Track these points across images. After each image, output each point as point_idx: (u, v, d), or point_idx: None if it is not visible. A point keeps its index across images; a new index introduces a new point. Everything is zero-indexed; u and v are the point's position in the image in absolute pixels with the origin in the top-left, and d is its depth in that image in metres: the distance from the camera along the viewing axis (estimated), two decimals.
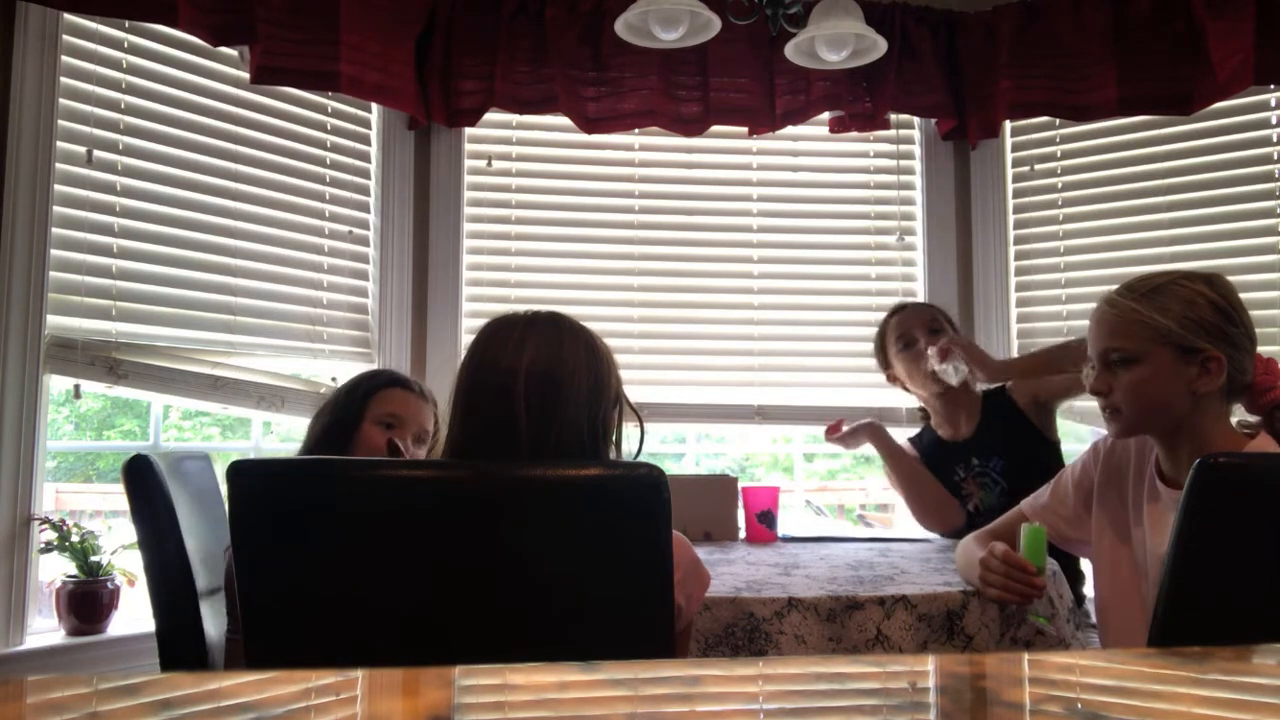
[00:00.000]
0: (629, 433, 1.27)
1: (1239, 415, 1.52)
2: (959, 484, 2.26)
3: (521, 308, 1.29)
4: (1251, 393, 1.46)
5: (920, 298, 3.09)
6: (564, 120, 2.92)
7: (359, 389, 1.81)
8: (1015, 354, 3.08)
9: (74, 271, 2.28)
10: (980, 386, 2.28)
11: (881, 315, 3.04)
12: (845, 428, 2.34)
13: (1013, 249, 3.13)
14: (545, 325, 1.24)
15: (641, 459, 1.26)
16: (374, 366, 2.85)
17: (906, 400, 2.94)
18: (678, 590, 1.15)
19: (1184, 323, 1.40)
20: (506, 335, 1.23)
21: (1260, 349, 2.74)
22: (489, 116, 2.90)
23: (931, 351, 2.21)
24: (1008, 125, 3.12)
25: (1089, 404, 1.58)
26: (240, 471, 1.06)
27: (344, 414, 1.78)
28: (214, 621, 1.68)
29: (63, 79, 2.28)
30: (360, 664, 0.55)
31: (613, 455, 1.26)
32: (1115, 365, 1.45)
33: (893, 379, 2.41)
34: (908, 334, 2.30)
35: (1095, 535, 1.59)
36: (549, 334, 1.23)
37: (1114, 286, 1.50)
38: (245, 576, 1.06)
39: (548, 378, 1.19)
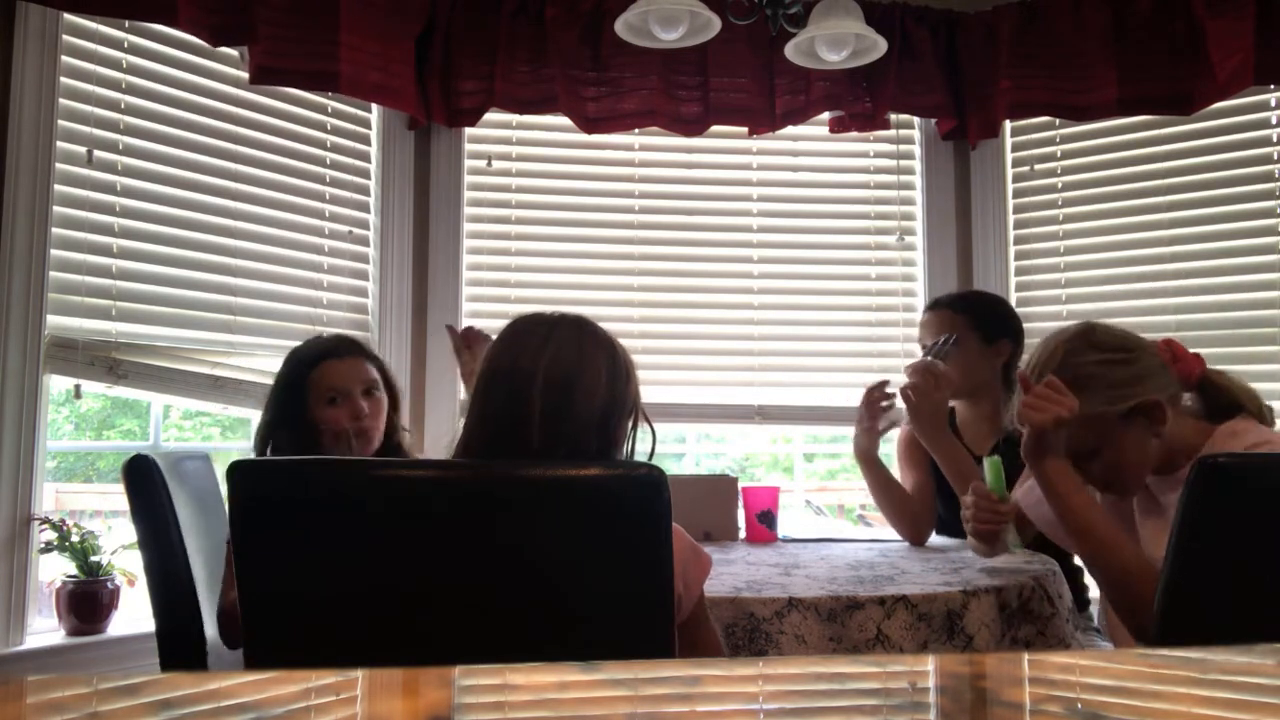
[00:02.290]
0: (640, 436, 1.26)
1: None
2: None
3: (539, 308, 1.28)
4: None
5: (920, 298, 3.08)
6: (564, 120, 2.92)
7: (292, 377, 1.80)
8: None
9: (74, 271, 2.28)
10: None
11: (882, 315, 3.03)
12: (887, 407, 2.11)
13: (1013, 249, 3.13)
14: (569, 330, 1.23)
15: (641, 459, 1.26)
16: None
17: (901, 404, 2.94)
18: (677, 581, 1.15)
19: (1111, 397, 1.42)
20: (529, 336, 1.22)
21: (1259, 349, 2.76)
22: (489, 116, 2.90)
23: (906, 371, 2.08)
24: (1008, 125, 3.12)
25: None
26: (240, 471, 1.06)
27: (289, 408, 1.78)
28: (213, 621, 1.68)
29: (63, 79, 2.28)
30: (360, 664, 0.55)
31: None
32: (1082, 459, 1.46)
33: None
34: (923, 340, 2.22)
35: None
36: (572, 339, 1.22)
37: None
38: (245, 576, 1.06)
39: (564, 383, 1.18)
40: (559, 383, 1.18)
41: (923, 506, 2.13)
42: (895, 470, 2.22)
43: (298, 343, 2.42)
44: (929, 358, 2.07)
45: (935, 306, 2.27)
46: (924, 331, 2.23)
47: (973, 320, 2.20)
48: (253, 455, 1.81)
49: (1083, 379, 1.42)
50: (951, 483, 2.03)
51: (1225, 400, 1.50)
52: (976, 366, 2.17)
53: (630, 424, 1.25)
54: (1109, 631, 1.64)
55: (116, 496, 1.93)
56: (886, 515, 2.16)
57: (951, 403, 2.24)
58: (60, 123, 2.27)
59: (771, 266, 3.11)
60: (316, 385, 1.79)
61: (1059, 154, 3.09)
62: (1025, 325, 3.06)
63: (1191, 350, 1.56)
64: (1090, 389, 1.41)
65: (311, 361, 1.82)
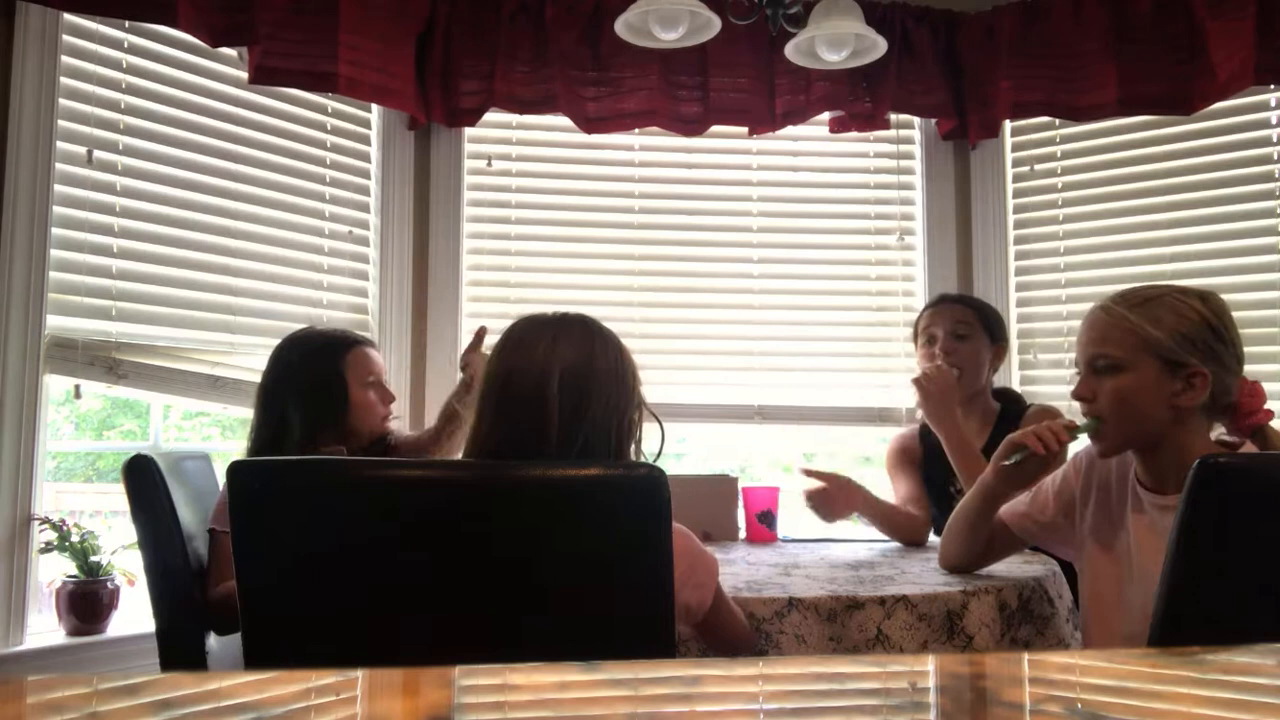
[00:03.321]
0: (648, 433, 1.30)
1: (1218, 433, 1.51)
2: (954, 496, 2.22)
3: (539, 308, 1.31)
4: (1235, 414, 1.46)
5: (920, 298, 3.08)
6: (564, 120, 2.92)
7: (329, 358, 1.86)
8: (1016, 351, 3.06)
9: (74, 271, 2.28)
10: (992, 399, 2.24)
11: (882, 315, 3.05)
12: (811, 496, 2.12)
13: (1013, 249, 3.13)
14: (576, 328, 1.26)
15: (649, 458, 1.29)
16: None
17: (907, 400, 2.94)
18: (684, 588, 1.16)
19: (1174, 336, 1.40)
20: (537, 336, 1.24)
21: (1259, 349, 2.76)
22: (489, 116, 2.90)
23: (920, 370, 2.15)
24: (1008, 125, 3.12)
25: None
26: (240, 471, 1.06)
27: (330, 388, 1.83)
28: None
29: (63, 79, 2.28)
30: (360, 664, 0.55)
31: (633, 455, 1.28)
32: (1101, 372, 1.45)
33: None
34: (929, 331, 2.25)
35: (1079, 545, 1.58)
36: (580, 336, 1.25)
37: (1112, 290, 1.50)
38: (245, 576, 1.06)
39: (580, 380, 1.21)
40: (575, 380, 1.21)
41: (918, 514, 2.17)
42: (885, 483, 2.26)
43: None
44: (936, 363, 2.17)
45: (944, 300, 2.31)
46: (931, 321, 2.25)
47: (983, 319, 2.25)
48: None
49: (1171, 307, 1.41)
50: (956, 466, 2.07)
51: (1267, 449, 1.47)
52: (982, 363, 2.22)
53: (638, 415, 1.28)
54: (1083, 630, 1.62)
55: (116, 496, 1.93)
56: (888, 535, 2.18)
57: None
58: (60, 123, 2.27)
59: (771, 266, 3.11)
60: (356, 368, 1.86)
61: (1059, 154, 3.08)
62: (1024, 325, 3.10)
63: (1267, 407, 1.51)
64: (1169, 317, 1.40)
65: (352, 343, 1.90)
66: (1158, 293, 1.45)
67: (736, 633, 1.34)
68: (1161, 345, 1.40)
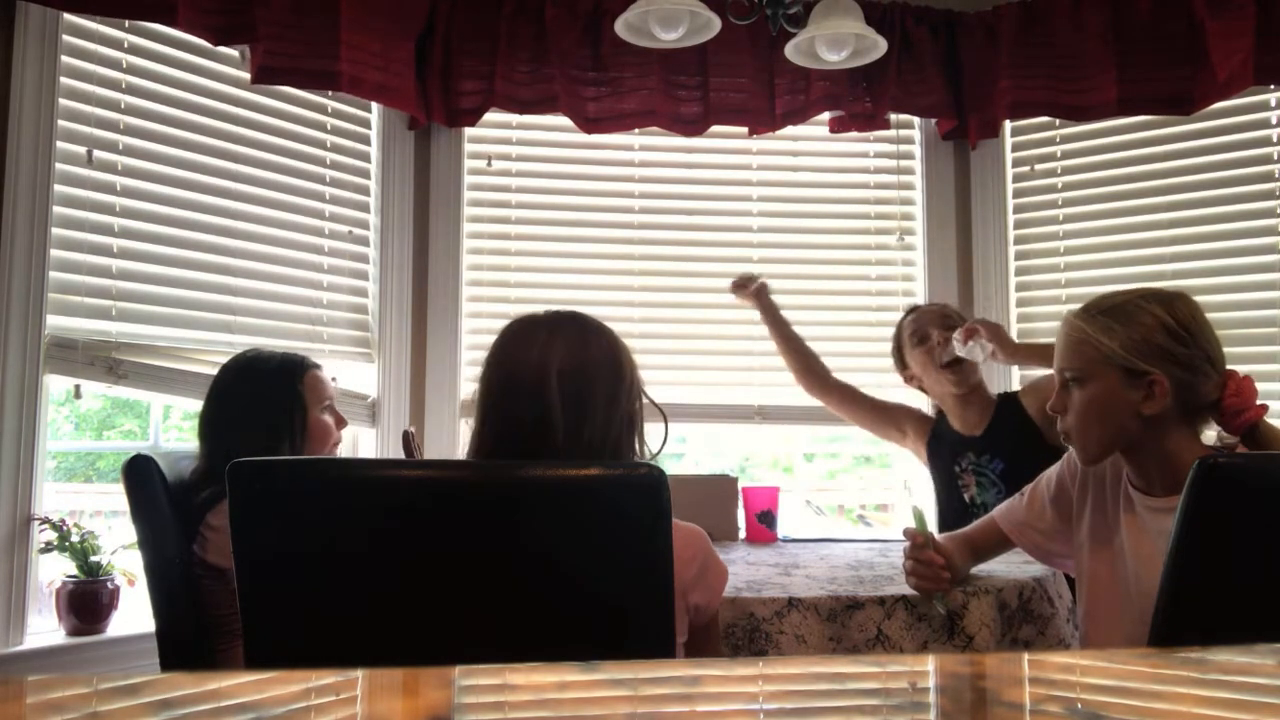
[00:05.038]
0: (652, 428, 1.31)
1: (1215, 433, 1.51)
2: (958, 474, 2.31)
3: (539, 308, 1.31)
4: (1223, 415, 1.44)
5: (920, 298, 3.09)
6: (564, 120, 2.92)
7: (288, 383, 1.80)
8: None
9: (74, 271, 2.28)
10: (995, 388, 2.34)
11: (882, 315, 3.07)
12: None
13: (1013, 249, 3.13)
14: (570, 324, 1.27)
15: (652, 452, 1.29)
16: (372, 366, 2.84)
17: (909, 399, 2.94)
18: (695, 588, 1.16)
19: (1128, 345, 1.39)
20: (532, 335, 1.25)
21: (1259, 349, 2.76)
22: (489, 116, 2.90)
23: (957, 335, 2.22)
24: (1008, 125, 3.12)
25: None
26: (240, 471, 1.06)
27: (290, 413, 1.78)
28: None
29: (63, 79, 2.28)
30: (360, 664, 0.55)
31: (637, 448, 1.29)
32: (1069, 385, 1.46)
33: (910, 379, 2.43)
34: (921, 330, 2.34)
35: (1076, 548, 1.58)
36: (575, 333, 1.25)
37: (1111, 289, 1.50)
38: (245, 576, 1.06)
39: (578, 376, 1.21)
40: (574, 375, 1.21)
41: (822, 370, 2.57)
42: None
43: (298, 343, 2.41)
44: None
45: (917, 307, 2.47)
46: (917, 324, 2.38)
47: (961, 318, 2.39)
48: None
49: (1129, 315, 1.41)
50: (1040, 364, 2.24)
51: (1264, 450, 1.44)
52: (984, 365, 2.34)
53: (639, 408, 1.28)
54: (1081, 632, 1.62)
55: (116, 496, 1.93)
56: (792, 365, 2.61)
57: (952, 392, 2.34)
58: (60, 123, 2.27)
59: (771, 266, 3.10)
60: (313, 391, 1.82)
61: (1059, 154, 3.09)
62: (1024, 326, 3.10)
63: (1260, 402, 1.45)
64: (1123, 327, 1.40)
65: (307, 365, 1.85)
66: (1119, 300, 1.45)
67: (709, 651, 1.33)
68: (1116, 355, 1.40)
